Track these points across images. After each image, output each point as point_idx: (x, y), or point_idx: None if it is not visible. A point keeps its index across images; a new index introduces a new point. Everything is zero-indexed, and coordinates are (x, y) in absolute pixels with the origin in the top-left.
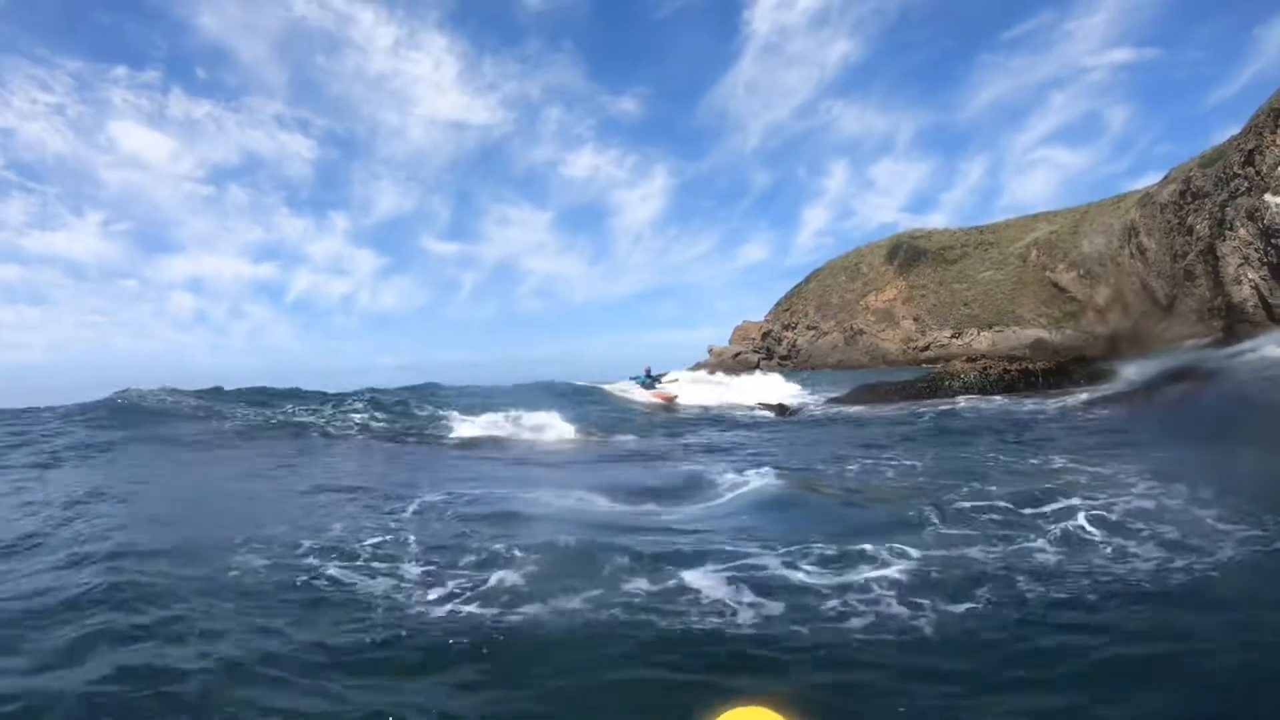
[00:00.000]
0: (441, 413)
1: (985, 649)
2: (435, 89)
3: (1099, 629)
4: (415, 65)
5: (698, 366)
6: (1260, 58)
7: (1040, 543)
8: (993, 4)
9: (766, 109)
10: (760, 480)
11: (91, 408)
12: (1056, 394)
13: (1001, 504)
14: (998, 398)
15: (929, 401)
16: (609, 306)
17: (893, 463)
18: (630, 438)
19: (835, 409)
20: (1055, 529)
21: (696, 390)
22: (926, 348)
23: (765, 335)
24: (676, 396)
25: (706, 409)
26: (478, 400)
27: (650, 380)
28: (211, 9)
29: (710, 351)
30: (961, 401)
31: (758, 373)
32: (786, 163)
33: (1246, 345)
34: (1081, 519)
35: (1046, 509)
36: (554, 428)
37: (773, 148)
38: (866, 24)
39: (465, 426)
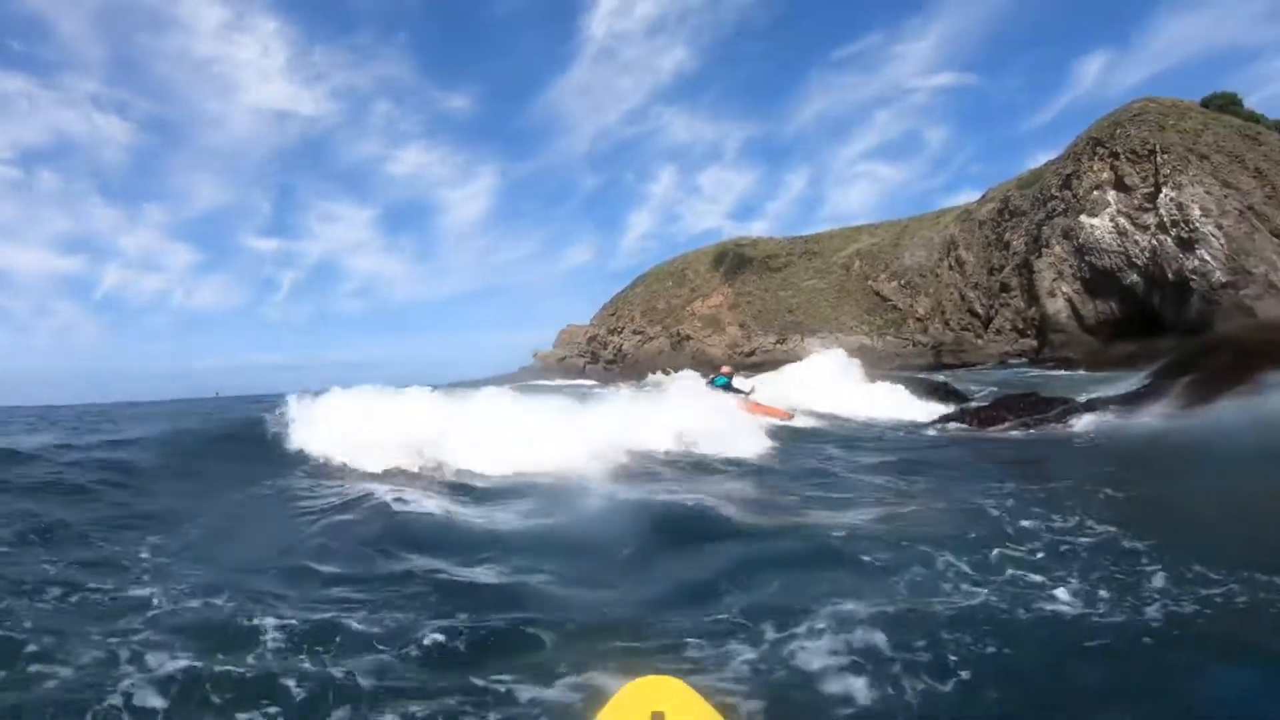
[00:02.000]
0: None
1: None
2: (261, 76)
3: None
4: (242, 50)
5: (522, 370)
6: (1075, 88)
7: None
8: (825, 24)
9: (597, 112)
10: None
11: None
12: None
13: None
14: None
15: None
16: (431, 307)
17: None
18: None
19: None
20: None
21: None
22: (752, 353)
23: (591, 339)
24: (792, 416)
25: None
26: None
27: (729, 385)
28: None
29: (535, 355)
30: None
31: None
32: (615, 167)
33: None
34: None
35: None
36: None
37: (602, 151)
38: (702, 34)
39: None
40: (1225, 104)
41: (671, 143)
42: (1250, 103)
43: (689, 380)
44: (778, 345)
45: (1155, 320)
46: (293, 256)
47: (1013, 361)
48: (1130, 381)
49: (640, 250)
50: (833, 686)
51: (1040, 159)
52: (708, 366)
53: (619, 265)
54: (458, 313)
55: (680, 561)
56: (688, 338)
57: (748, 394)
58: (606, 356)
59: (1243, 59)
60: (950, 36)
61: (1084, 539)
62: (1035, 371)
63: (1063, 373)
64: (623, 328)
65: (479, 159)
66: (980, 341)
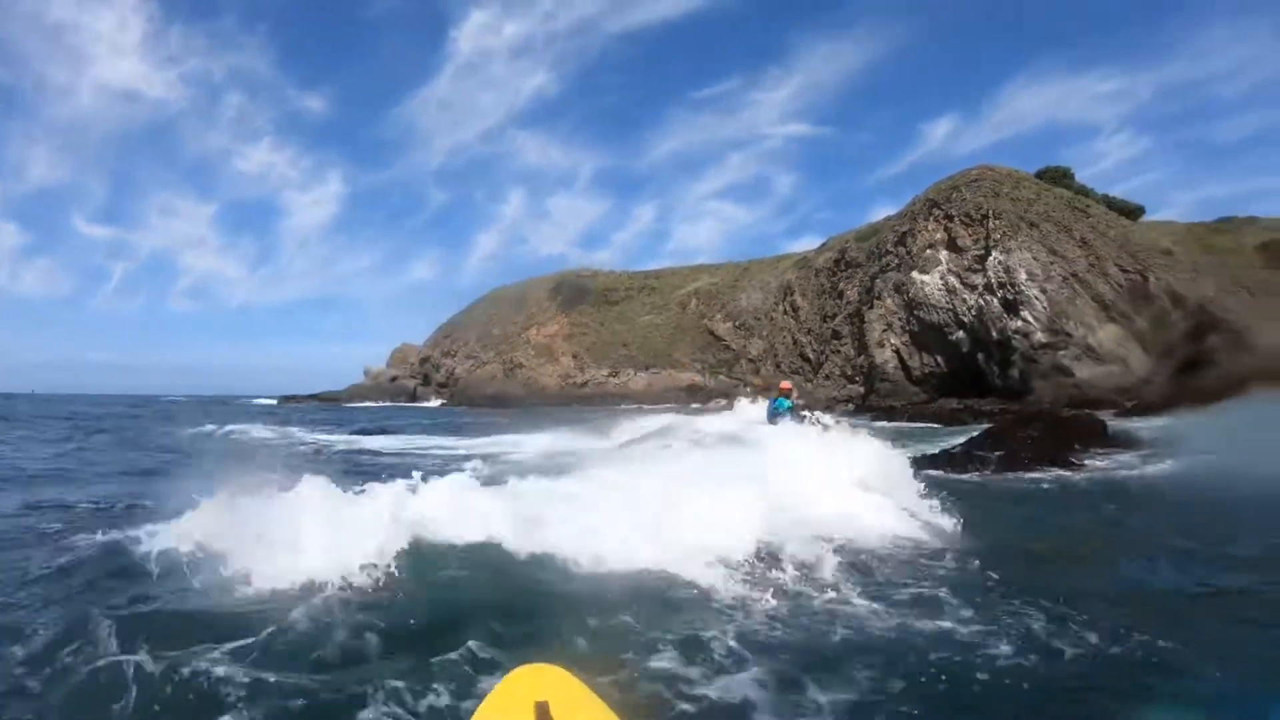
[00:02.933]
0: None
1: None
2: (115, 51)
3: None
4: (98, 20)
5: (352, 388)
6: (921, 148)
7: None
8: (689, 64)
9: (455, 128)
10: None
11: None
12: None
13: None
14: None
15: None
16: (267, 313)
17: None
18: None
19: None
20: None
21: None
22: (584, 385)
23: (424, 361)
24: None
25: None
26: None
27: (794, 409)
28: None
29: (366, 373)
30: None
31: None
32: (465, 185)
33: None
34: None
35: None
36: None
37: (454, 168)
38: (566, 61)
39: None
40: (1058, 176)
41: (525, 166)
42: (1082, 177)
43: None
44: (610, 378)
45: (979, 376)
46: (127, 247)
47: (838, 408)
48: (949, 442)
49: (483, 271)
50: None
51: (884, 212)
52: (539, 395)
53: (461, 285)
54: (294, 321)
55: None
56: (521, 365)
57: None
58: (439, 379)
59: (1082, 136)
60: (808, 88)
61: None
62: (860, 420)
63: (884, 424)
64: (456, 351)
65: (329, 163)
66: (809, 386)
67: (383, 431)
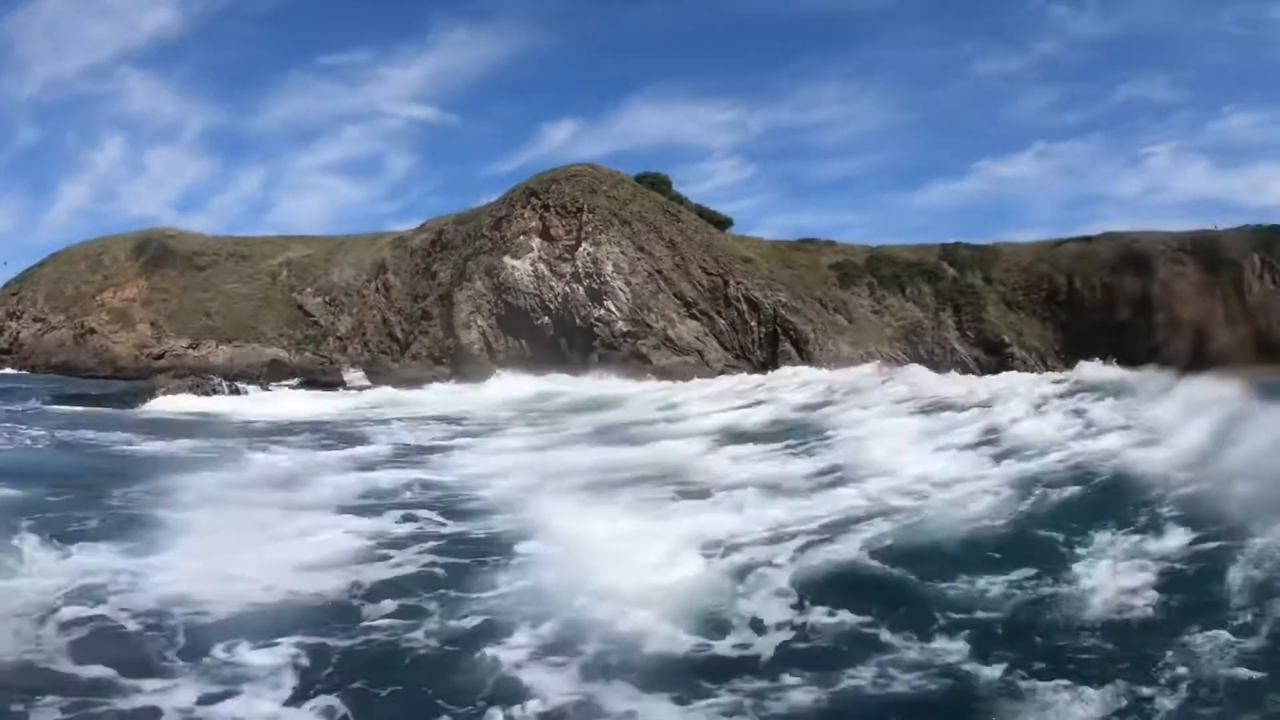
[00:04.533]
0: None
1: None
2: None
3: None
4: None
5: None
6: (541, 147)
7: None
8: (319, 27)
9: (57, 57)
10: None
11: None
12: None
13: None
14: None
15: None
16: None
17: None
18: None
19: None
20: None
21: None
22: (161, 356)
23: None
24: None
25: None
26: None
27: None
28: None
29: None
30: None
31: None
32: (58, 124)
33: None
34: None
35: None
36: None
37: (49, 102)
38: (195, 1)
39: None
40: (656, 183)
41: (128, 111)
42: (693, 193)
43: None
44: (190, 350)
45: (562, 360)
46: None
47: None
48: None
49: (67, 227)
50: None
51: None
52: (110, 365)
53: (40, 240)
54: None
55: None
56: (93, 331)
57: None
58: (1, 344)
59: (695, 156)
60: (439, 72)
61: None
62: None
63: None
64: (23, 312)
65: None
66: (395, 366)
67: None
